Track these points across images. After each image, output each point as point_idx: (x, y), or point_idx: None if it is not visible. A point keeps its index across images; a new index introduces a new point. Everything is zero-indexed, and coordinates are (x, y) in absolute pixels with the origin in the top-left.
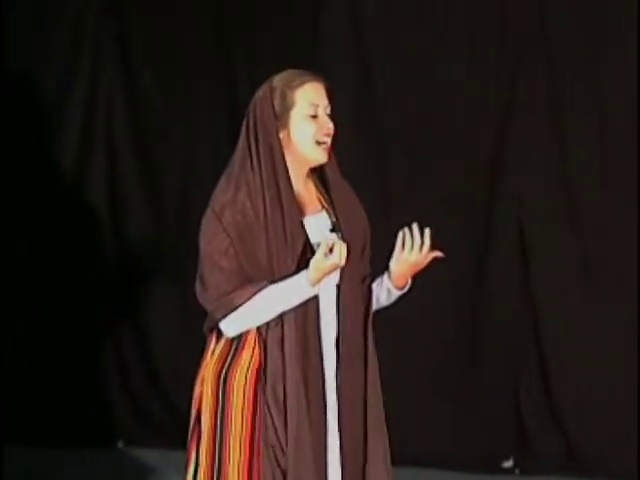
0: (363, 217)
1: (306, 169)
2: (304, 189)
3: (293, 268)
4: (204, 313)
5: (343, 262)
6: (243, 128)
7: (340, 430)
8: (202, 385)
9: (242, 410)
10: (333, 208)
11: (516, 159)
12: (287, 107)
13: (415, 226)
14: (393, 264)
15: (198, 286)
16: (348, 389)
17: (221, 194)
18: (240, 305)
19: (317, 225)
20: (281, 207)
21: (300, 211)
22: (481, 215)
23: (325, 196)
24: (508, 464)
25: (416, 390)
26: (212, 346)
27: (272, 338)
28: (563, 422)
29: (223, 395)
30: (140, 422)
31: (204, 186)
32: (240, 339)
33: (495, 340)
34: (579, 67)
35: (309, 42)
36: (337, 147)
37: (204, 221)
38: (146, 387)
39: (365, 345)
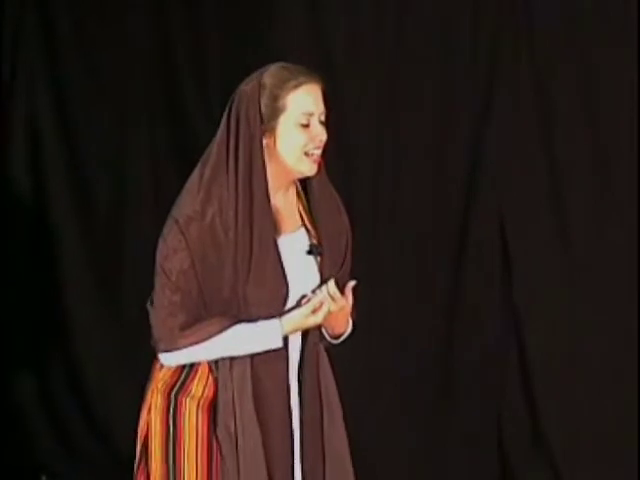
0: (345, 232)
1: (290, 180)
2: (285, 202)
3: (259, 298)
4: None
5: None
6: (222, 126)
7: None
8: (149, 413)
9: (196, 445)
10: (313, 223)
11: (497, 160)
12: (277, 111)
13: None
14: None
15: (150, 301)
16: (310, 429)
17: (188, 203)
18: (188, 346)
19: (293, 245)
20: (251, 226)
21: (276, 229)
22: (458, 221)
23: (307, 210)
24: None
25: (386, 419)
26: (160, 370)
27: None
28: (551, 452)
29: (174, 426)
30: (67, 454)
31: (140, 184)
32: (190, 368)
33: (474, 361)
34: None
35: (264, 25)
36: None
37: (165, 231)
38: (74, 416)
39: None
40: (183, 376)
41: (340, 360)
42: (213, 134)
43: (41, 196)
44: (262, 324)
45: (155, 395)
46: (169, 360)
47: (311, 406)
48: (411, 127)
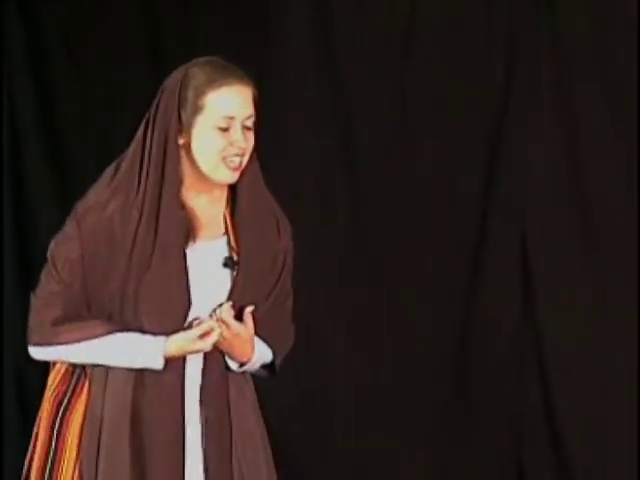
0: (282, 252)
1: (208, 184)
2: (207, 207)
3: (151, 309)
4: None
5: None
6: (144, 119)
7: None
8: (39, 425)
9: (73, 467)
10: (236, 232)
11: (517, 155)
12: (195, 110)
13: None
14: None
15: (36, 289)
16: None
17: (93, 194)
18: (59, 344)
19: (208, 254)
20: (155, 229)
21: (191, 235)
22: (475, 233)
23: (231, 216)
24: None
25: (398, 434)
26: (53, 368)
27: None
28: (573, 474)
29: (55, 448)
30: None
31: None
32: (82, 370)
33: (491, 378)
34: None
35: (258, 25)
36: None
37: (66, 220)
38: None
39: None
40: (72, 385)
41: (353, 373)
42: None
43: (25, 197)
44: (145, 339)
45: (44, 405)
46: (38, 355)
47: (215, 438)
48: (423, 133)
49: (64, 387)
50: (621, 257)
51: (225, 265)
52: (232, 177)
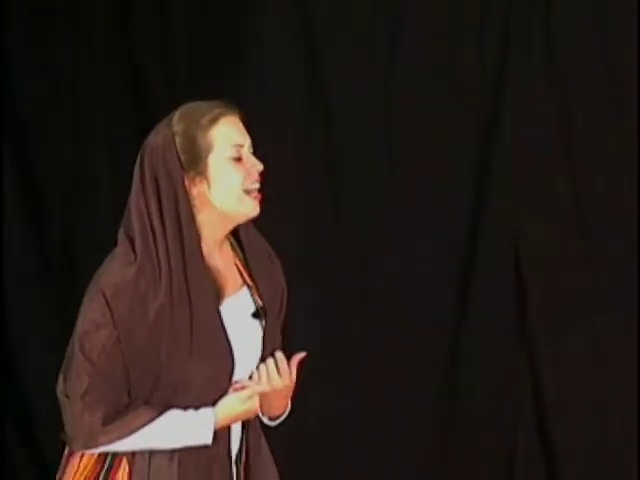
0: (280, 283)
1: (228, 229)
2: (223, 260)
3: (201, 377)
4: None
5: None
6: (137, 188)
7: None
8: None
9: None
10: (252, 277)
11: (510, 162)
12: (200, 153)
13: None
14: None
15: (61, 381)
16: None
17: (116, 271)
18: (109, 443)
19: (237, 308)
20: (189, 296)
21: (219, 293)
22: (466, 244)
23: (243, 261)
24: None
25: (391, 453)
26: (75, 461)
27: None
28: None
29: None
30: None
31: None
32: (114, 455)
33: (483, 396)
34: None
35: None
36: None
37: (86, 301)
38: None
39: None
40: (104, 469)
41: (341, 383)
42: None
43: None
44: (192, 415)
45: None
46: (79, 447)
47: None
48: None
49: (98, 467)
50: (621, 266)
51: (255, 316)
52: (256, 208)
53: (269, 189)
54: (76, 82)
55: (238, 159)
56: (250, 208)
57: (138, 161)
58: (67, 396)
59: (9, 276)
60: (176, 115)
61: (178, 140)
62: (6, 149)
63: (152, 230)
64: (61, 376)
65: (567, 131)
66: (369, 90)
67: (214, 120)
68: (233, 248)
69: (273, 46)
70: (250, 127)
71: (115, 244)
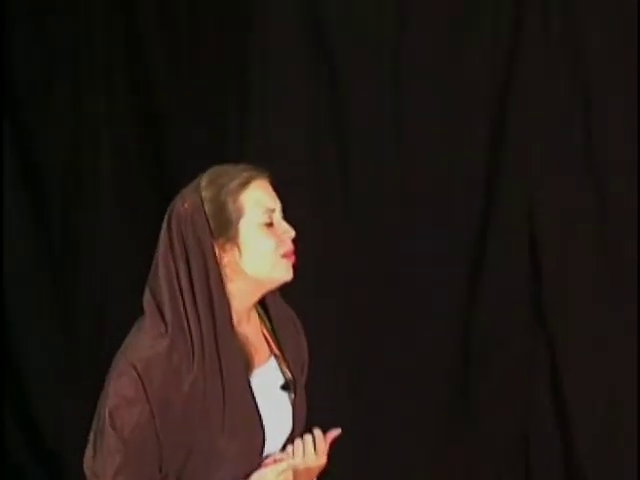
0: (303, 350)
1: (258, 297)
2: (251, 330)
3: (232, 452)
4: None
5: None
6: (166, 255)
7: None
8: None
9: None
10: (279, 347)
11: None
12: (231, 219)
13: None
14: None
15: (89, 457)
16: None
17: (147, 345)
18: None
19: (266, 380)
20: (220, 369)
21: (248, 365)
22: (479, 207)
23: (270, 331)
24: None
25: (400, 434)
26: None
27: None
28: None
29: None
30: None
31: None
32: None
33: (496, 375)
34: None
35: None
36: None
37: (115, 375)
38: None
39: None
40: None
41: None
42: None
43: None
44: None
45: None
46: None
47: None
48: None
49: None
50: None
51: (284, 388)
52: (289, 272)
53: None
54: (76, 58)
55: (269, 224)
56: (284, 272)
57: (164, 226)
58: (96, 475)
59: (9, 276)
60: (204, 180)
61: (207, 206)
62: (6, 134)
63: (182, 300)
64: (89, 452)
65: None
66: (377, 52)
67: (244, 184)
68: (260, 316)
69: (279, 13)
70: (254, 97)
71: (141, 310)
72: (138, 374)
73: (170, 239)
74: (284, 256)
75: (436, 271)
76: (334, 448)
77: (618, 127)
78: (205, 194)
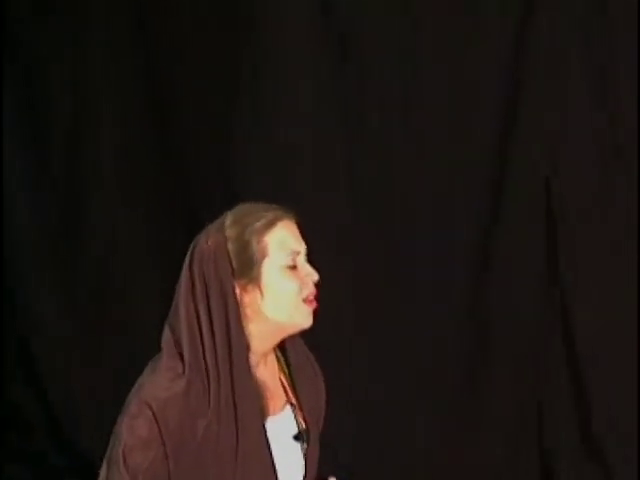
0: (322, 394)
1: (277, 340)
2: (268, 374)
3: None
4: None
5: None
6: (186, 292)
7: None
8: None
9: None
10: (296, 395)
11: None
12: (254, 260)
13: None
14: None
15: None
16: None
17: (164, 384)
18: None
19: (280, 429)
20: (235, 414)
21: (263, 411)
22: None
23: (288, 376)
24: None
25: (413, 403)
26: None
27: None
28: (603, 455)
29: None
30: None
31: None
32: None
33: (511, 348)
34: None
35: None
36: None
37: (129, 415)
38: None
39: None
40: None
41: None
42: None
43: None
44: None
45: None
46: None
47: None
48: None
49: None
50: None
51: (296, 439)
52: (310, 318)
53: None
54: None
55: (293, 267)
56: (304, 318)
57: (187, 262)
58: None
59: (10, 244)
60: (229, 219)
61: (231, 246)
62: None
63: (202, 342)
64: None
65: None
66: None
67: (270, 225)
68: (278, 361)
69: None
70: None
71: (159, 342)
72: (154, 414)
73: (192, 278)
74: (306, 301)
75: (451, 238)
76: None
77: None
78: (229, 233)
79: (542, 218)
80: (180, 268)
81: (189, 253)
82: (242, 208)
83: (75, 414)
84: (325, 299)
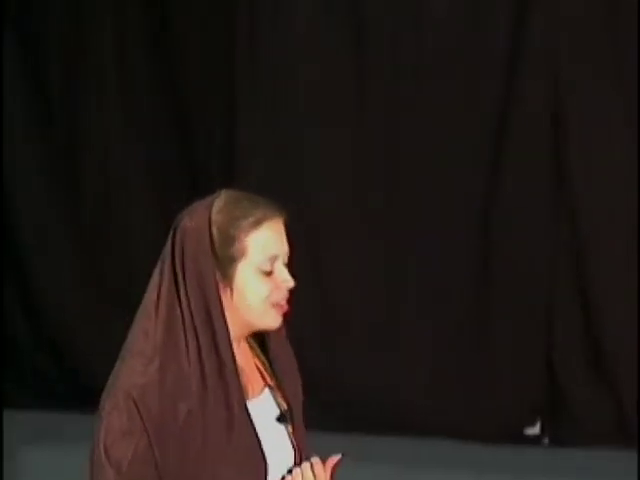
0: (300, 386)
1: (247, 333)
2: (241, 357)
3: None
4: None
5: None
6: (167, 270)
7: None
8: None
9: None
10: (275, 381)
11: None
12: (233, 256)
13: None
14: None
15: None
16: None
17: (138, 370)
18: None
19: (261, 411)
20: (223, 394)
21: (247, 393)
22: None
23: (264, 363)
24: (534, 431)
25: (424, 307)
26: None
27: None
28: (610, 373)
29: None
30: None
31: None
32: None
33: (518, 261)
34: None
35: None
36: None
37: (108, 407)
38: (28, 334)
39: None
40: None
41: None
42: None
43: None
44: None
45: None
46: None
47: None
48: None
49: None
50: None
51: (279, 420)
52: (278, 321)
53: None
54: None
55: (269, 272)
56: (271, 321)
57: (169, 240)
58: None
59: (7, 132)
60: (219, 202)
61: (215, 231)
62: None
63: (182, 321)
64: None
65: None
66: None
67: (255, 224)
68: (251, 347)
69: None
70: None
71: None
72: (134, 402)
73: (172, 255)
74: (275, 306)
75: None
76: (335, 473)
77: None
78: (215, 218)
79: (548, 123)
80: (177, 189)
81: (172, 227)
82: (233, 196)
83: (72, 338)
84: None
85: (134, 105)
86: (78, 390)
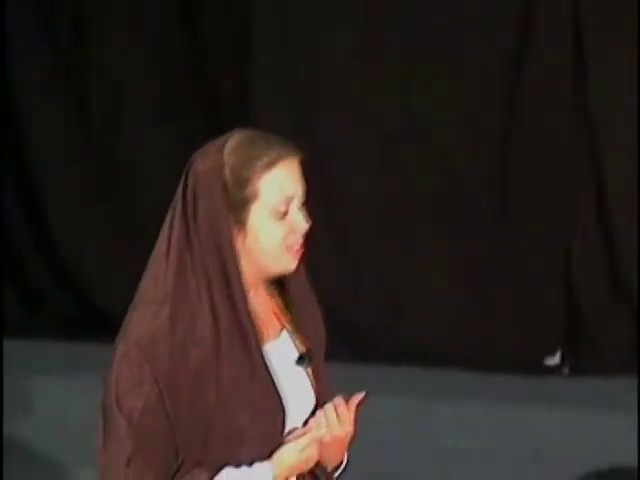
0: (323, 330)
1: (263, 278)
2: (259, 303)
3: (251, 431)
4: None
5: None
6: (178, 216)
7: None
8: None
9: None
10: (295, 324)
11: None
12: (246, 199)
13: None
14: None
15: (100, 450)
16: None
17: (148, 319)
18: None
19: (279, 355)
20: (243, 341)
21: (262, 338)
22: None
23: (282, 306)
24: (554, 361)
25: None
26: None
27: None
28: (632, 300)
29: None
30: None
31: None
32: None
33: (536, 177)
34: None
35: None
36: None
37: (118, 357)
38: (35, 262)
39: None
40: None
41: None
42: None
43: None
44: (248, 472)
45: None
46: None
47: None
48: None
49: None
50: None
51: (299, 363)
52: (293, 264)
53: None
54: None
55: (284, 213)
56: (287, 264)
57: (182, 183)
58: (109, 465)
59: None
60: (231, 142)
61: (227, 172)
62: None
63: (192, 264)
64: (99, 444)
65: None
66: None
67: (269, 165)
68: (268, 290)
69: None
70: None
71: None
72: (143, 352)
73: (183, 200)
74: (289, 250)
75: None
76: (360, 412)
77: None
78: (227, 159)
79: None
80: (191, 126)
81: (185, 171)
82: (246, 135)
83: (85, 267)
84: None
85: (150, 41)
86: (88, 316)
